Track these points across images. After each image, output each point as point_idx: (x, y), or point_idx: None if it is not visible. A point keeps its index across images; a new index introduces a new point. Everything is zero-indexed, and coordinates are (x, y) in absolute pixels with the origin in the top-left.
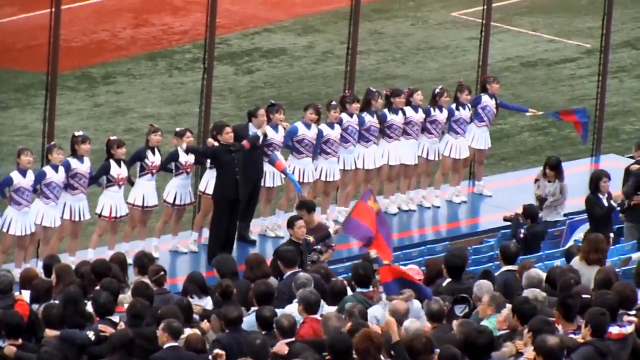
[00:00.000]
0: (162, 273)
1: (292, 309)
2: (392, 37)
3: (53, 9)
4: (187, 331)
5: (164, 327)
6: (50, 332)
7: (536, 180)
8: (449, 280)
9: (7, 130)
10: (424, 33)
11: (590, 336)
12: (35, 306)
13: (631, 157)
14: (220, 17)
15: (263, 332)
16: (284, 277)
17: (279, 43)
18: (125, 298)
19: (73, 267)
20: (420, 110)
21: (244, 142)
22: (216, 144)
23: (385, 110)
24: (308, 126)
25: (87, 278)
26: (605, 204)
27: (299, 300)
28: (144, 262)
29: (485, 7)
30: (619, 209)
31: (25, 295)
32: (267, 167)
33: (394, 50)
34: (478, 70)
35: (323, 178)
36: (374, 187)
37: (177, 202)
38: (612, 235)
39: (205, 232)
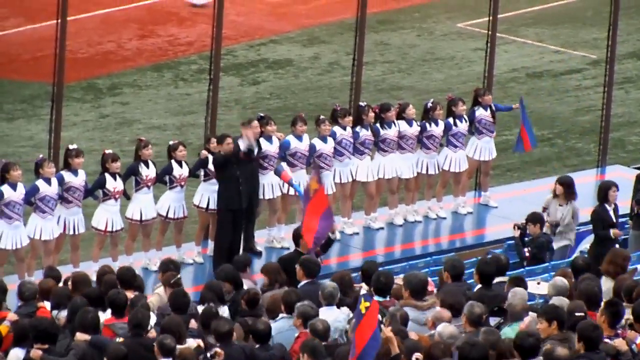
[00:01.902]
0: (179, 276)
1: (327, 315)
2: (397, 48)
3: (59, 20)
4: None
5: (156, 343)
6: (81, 336)
7: (544, 209)
8: (479, 286)
9: (13, 141)
10: (429, 44)
11: (584, 350)
12: (54, 312)
13: (638, 168)
14: (226, 28)
15: (257, 346)
16: (299, 285)
17: (284, 54)
18: (153, 302)
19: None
20: (414, 123)
21: (239, 154)
22: (209, 155)
23: (378, 125)
24: (299, 138)
25: (107, 286)
26: (612, 215)
27: (297, 314)
28: (170, 267)
29: (491, 18)
30: (627, 219)
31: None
32: (267, 179)
33: (399, 61)
34: (484, 81)
35: None
36: (375, 201)
37: (170, 215)
38: (617, 246)
39: (210, 244)
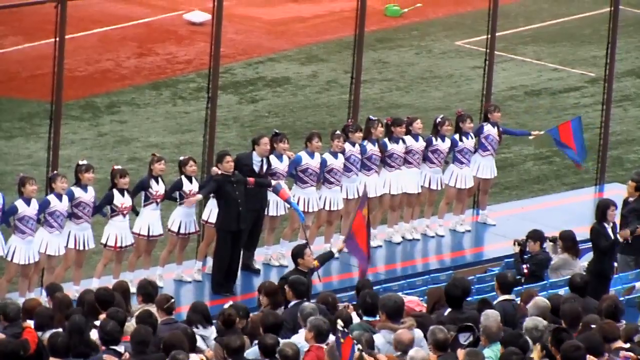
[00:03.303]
0: (172, 300)
1: (299, 339)
2: (396, 66)
3: (57, 38)
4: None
5: (170, 358)
6: None
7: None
8: (450, 309)
9: (11, 159)
10: (428, 62)
11: None
12: (39, 333)
13: None
14: (224, 46)
15: None
16: (289, 306)
17: (282, 72)
18: (130, 327)
19: (77, 295)
20: (420, 138)
21: (250, 179)
22: (220, 171)
23: (386, 140)
24: (311, 155)
25: (90, 307)
26: (611, 233)
27: (310, 328)
28: (149, 290)
29: (489, 36)
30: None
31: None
32: (270, 196)
33: (397, 80)
34: (482, 99)
35: (327, 207)
36: (376, 216)
37: (182, 231)
38: (615, 264)
39: (209, 261)
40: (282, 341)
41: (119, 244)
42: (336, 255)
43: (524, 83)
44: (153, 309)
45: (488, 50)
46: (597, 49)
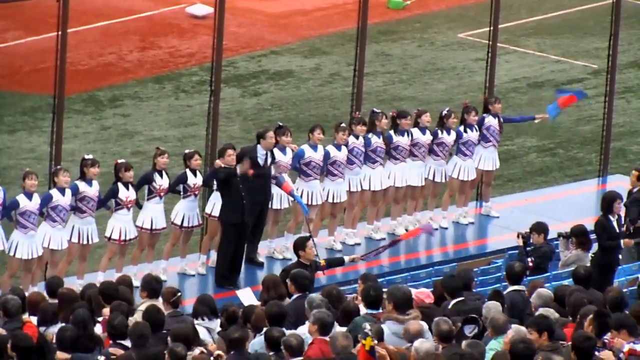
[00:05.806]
0: (179, 294)
1: (303, 330)
2: (398, 59)
3: (60, 32)
4: (195, 352)
5: (167, 351)
6: (61, 355)
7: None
8: (454, 301)
9: (14, 154)
10: (430, 54)
11: None
12: (42, 329)
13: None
14: (227, 39)
15: (271, 353)
16: (291, 299)
17: (285, 65)
18: (133, 321)
19: (80, 289)
20: (427, 132)
21: (249, 171)
22: (223, 164)
23: (391, 132)
24: (314, 148)
25: (95, 301)
26: (615, 226)
27: (314, 321)
28: (153, 285)
29: (491, 28)
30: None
31: (33, 320)
32: (274, 190)
33: (400, 72)
34: (485, 91)
35: (330, 200)
36: (380, 209)
37: (185, 224)
38: (620, 257)
39: (213, 255)
40: (287, 332)
41: (123, 238)
42: (346, 261)
43: (527, 75)
44: (158, 303)
45: (490, 42)
46: (599, 40)
